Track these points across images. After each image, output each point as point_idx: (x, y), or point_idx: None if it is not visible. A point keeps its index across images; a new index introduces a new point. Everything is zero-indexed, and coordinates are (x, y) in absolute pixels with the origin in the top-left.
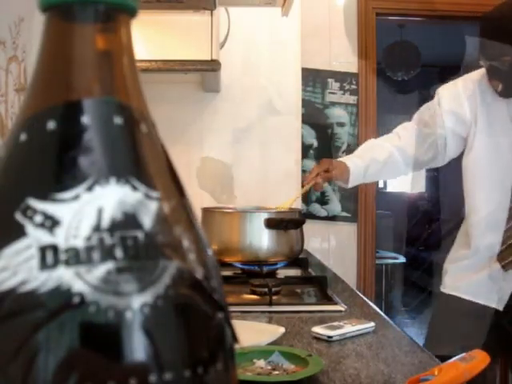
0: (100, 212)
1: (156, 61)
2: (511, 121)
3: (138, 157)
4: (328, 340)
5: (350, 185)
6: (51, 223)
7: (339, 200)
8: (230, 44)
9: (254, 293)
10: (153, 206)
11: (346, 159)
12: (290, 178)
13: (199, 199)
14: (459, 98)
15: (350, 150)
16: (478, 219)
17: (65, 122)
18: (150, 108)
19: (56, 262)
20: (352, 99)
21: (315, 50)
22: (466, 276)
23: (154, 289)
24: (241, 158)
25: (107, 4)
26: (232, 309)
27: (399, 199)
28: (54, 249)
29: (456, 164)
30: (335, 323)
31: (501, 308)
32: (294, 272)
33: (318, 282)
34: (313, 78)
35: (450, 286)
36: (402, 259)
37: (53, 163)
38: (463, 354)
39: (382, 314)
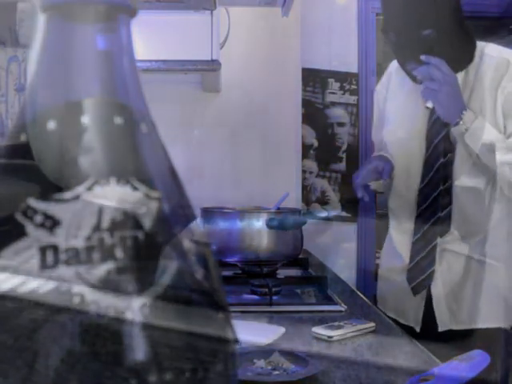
0: (100, 212)
1: (156, 61)
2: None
3: (137, 157)
4: (328, 340)
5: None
6: (51, 223)
7: (339, 200)
8: (229, 44)
9: (254, 293)
10: (153, 205)
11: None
12: (290, 177)
13: (199, 199)
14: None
15: (350, 150)
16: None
17: (65, 121)
18: (150, 108)
19: (56, 262)
20: (352, 99)
21: (315, 50)
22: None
23: (154, 289)
24: (241, 157)
25: (107, 4)
26: (232, 309)
27: None
28: (54, 249)
29: None
30: (335, 323)
31: (418, 329)
32: (294, 272)
33: (318, 282)
34: (313, 78)
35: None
36: None
37: (53, 163)
38: (463, 354)
39: (381, 314)
